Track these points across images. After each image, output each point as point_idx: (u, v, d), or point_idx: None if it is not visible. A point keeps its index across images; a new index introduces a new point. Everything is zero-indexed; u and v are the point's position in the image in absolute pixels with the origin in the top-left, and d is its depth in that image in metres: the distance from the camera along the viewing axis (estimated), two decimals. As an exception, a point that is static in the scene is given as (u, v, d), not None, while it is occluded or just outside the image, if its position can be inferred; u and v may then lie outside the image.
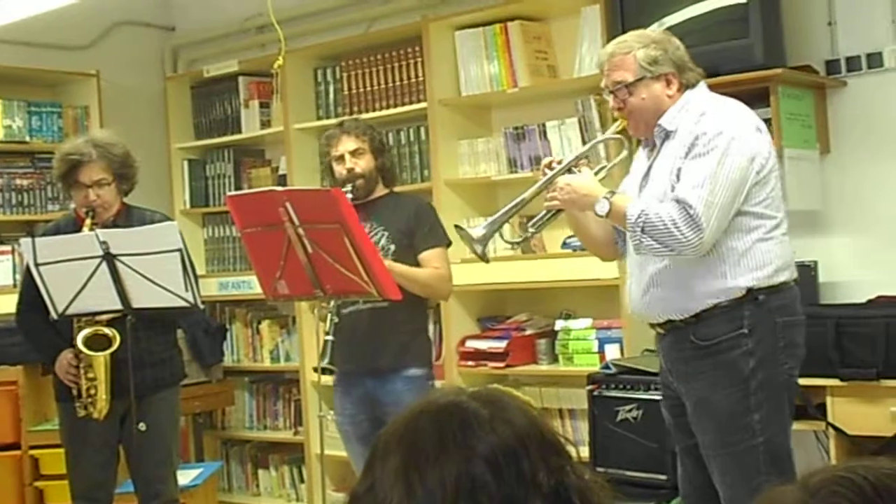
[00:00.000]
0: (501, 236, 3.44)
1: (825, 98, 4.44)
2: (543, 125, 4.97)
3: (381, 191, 4.18)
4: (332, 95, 5.70)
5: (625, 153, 3.46)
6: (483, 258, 3.42)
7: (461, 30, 5.18)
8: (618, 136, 3.42)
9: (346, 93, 5.58)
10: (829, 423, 3.94)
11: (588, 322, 4.86)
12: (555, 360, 4.97)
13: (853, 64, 4.39)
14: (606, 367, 4.45)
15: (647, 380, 4.18)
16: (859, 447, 3.89)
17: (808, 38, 4.44)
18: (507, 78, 5.03)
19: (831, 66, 4.43)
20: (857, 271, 4.37)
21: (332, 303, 3.78)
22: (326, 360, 3.71)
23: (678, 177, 3.11)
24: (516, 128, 5.06)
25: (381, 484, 1.19)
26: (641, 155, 3.41)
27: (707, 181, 3.03)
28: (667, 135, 3.22)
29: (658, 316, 3.25)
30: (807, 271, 4.28)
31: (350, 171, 4.07)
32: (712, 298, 3.13)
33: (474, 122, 5.32)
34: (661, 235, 3.03)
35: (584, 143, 4.81)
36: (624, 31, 4.38)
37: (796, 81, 4.30)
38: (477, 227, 3.42)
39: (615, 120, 3.40)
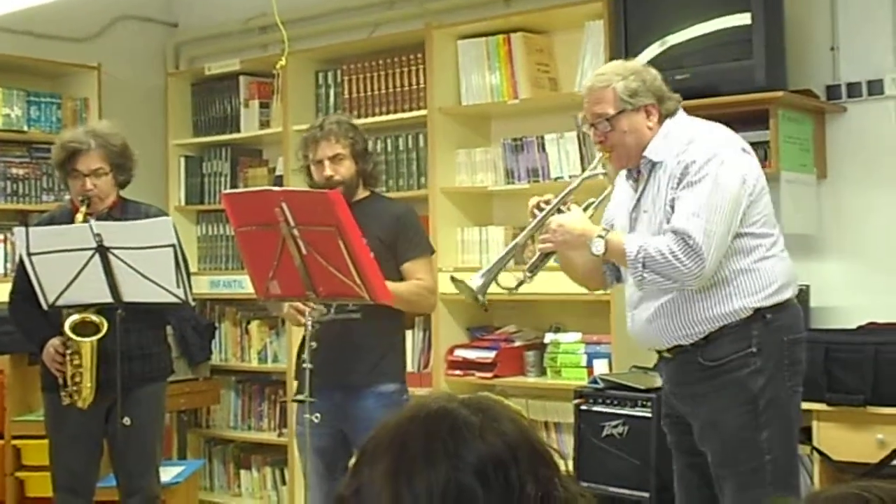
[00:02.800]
0: (497, 283, 3.39)
1: (824, 123, 4.45)
2: (542, 138, 4.97)
3: (361, 193, 4.01)
4: (332, 98, 5.70)
5: (611, 188, 3.44)
6: (483, 307, 3.42)
7: (464, 39, 5.18)
8: (602, 171, 3.39)
9: (346, 96, 5.58)
10: (814, 448, 3.95)
11: (577, 336, 4.86)
12: (543, 372, 4.97)
13: (854, 90, 4.40)
14: (594, 381, 4.45)
15: (635, 396, 4.18)
16: (844, 473, 3.89)
17: (810, 63, 4.45)
18: (508, 89, 5.03)
19: (832, 92, 4.44)
20: (849, 297, 4.38)
21: (310, 325, 3.66)
22: (305, 392, 3.64)
23: (672, 207, 3.11)
24: (515, 139, 5.06)
25: (368, 488, 1.18)
26: (623, 184, 3.39)
27: (703, 209, 3.04)
28: (653, 165, 3.22)
29: (666, 343, 3.25)
30: (799, 295, 4.26)
31: (329, 178, 3.88)
32: (720, 321, 3.15)
33: (473, 131, 5.32)
34: (663, 269, 3.04)
35: (581, 157, 4.82)
36: (627, 47, 4.44)
37: (796, 105, 4.31)
38: (474, 278, 3.37)
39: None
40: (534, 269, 3.40)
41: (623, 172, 3.39)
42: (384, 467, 1.19)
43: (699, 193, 3.05)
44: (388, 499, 1.17)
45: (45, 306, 3.91)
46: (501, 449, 1.18)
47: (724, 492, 3.21)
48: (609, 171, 3.43)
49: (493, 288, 4.91)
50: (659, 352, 3.34)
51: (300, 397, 3.71)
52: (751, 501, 3.13)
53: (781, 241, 3.25)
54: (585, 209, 3.34)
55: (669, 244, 3.03)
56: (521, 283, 3.41)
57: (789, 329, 3.19)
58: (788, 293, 3.21)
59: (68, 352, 3.96)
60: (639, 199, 3.27)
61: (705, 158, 3.07)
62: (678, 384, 3.29)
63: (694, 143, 3.13)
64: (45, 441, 4.20)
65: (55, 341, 3.99)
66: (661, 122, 3.23)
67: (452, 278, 3.49)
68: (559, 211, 3.28)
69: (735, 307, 3.13)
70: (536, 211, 3.31)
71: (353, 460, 1.25)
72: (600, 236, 3.14)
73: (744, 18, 4.23)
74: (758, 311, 3.13)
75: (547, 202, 3.30)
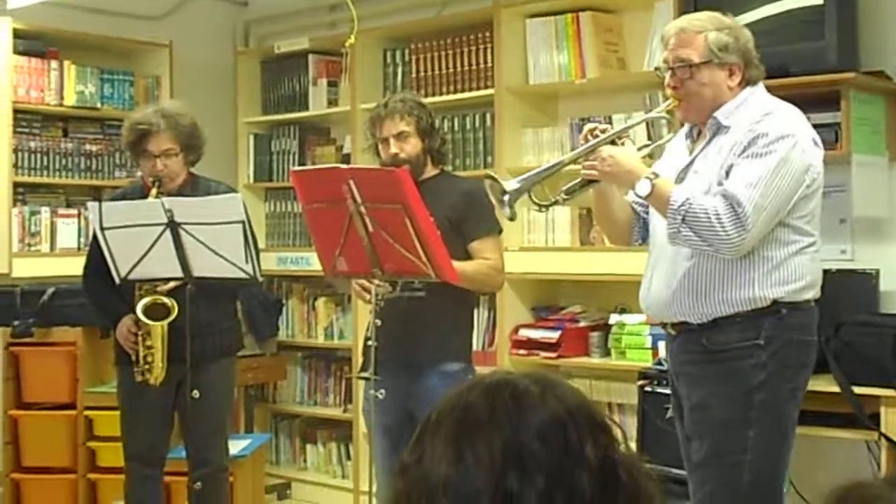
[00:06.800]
0: (530, 196, 3.24)
1: (897, 105, 4.38)
2: (610, 117, 4.94)
3: (430, 171, 4.02)
4: (399, 77, 5.72)
5: (672, 135, 3.33)
6: (510, 215, 3.24)
7: (532, 18, 5.17)
8: (667, 115, 3.27)
9: (413, 75, 5.59)
10: (881, 434, 3.90)
11: (642, 317, 4.83)
12: (607, 353, 4.96)
13: (928, 72, 4.32)
14: (659, 363, 4.43)
15: (700, 378, 4.16)
16: (912, 459, 3.85)
17: (883, 43, 4.37)
18: (576, 68, 5.01)
19: (905, 73, 4.36)
20: (920, 281, 4.31)
21: (375, 301, 3.69)
22: (370, 370, 3.68)
23: (727, 174, 3.00)
24: (582, 119, 5.04)
25: (431, 454, 1.21)
26: (679, 143, 3.29)
27: (761, 183, 2.92)
28: (718, 128, 3.10)
29: (674, 316, 3.16)
30: (868, 279, 4.24)
31: (395, 156, 3.90)
32: (735, 306, 3.04)
33: (540, 111, 5.31)
34: (702, 228, 2.92)
35: (649, 137, 4.77)
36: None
37: (869, 86, 4.24)
38: (510, 181, 3.23)
39: (667, 98, 3.22)
40: (570, 193, 3.27)
41: (682, 131, 3.29)
42: (446, 433, 1.21)
43: (762, 167, 2.93)
44: (450, 461, 1.19)
45: (117, 280, 3.98)
46: (561, 412, 1.21)
47: (692, 482, 3.12)
48: (675, 120, 3.31)
49: (560, 267, 4.93)
50: (664, 325, 3.25)
51: (364, 374, 3.74)
52: (718, 498, 3.05)
53: (818, 244, 3.13)
54: (639, 149, 3.22)
55: (717, 206, 2.91)
56: (554, 203, 3.29)
57: (801, 329, 3.08)
58: (810, 294, 3.10)
59: (140, 332, 4.04)
60: (693, 160, 3.16)
61: (778, 135, 2.96)
62: (679, 363, 3.20)
63: (770, 117, 3.02)
64: (117, 412, 4.30)
65: (128, 321, 4.07)
66: (741, 86, 3.11)
67: (488, 175, 3.34)
68: (613, 143, 3.15)
69: (755, 294, 3.02)
70: (590, 136, 3.17)
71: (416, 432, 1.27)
72: (648, 178, 3.01)
73: (816, -2, 4.18)
74: (775, 302, 3.02)
75: (603, 131, 3.17)
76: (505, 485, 1.16)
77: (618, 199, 3.33)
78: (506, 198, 3.17)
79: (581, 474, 1.17)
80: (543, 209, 3.33)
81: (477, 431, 1.20)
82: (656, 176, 3.04)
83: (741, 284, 3.03)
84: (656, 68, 3.23)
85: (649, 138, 4.20)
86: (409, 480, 1.22)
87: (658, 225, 3.14)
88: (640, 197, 3.08)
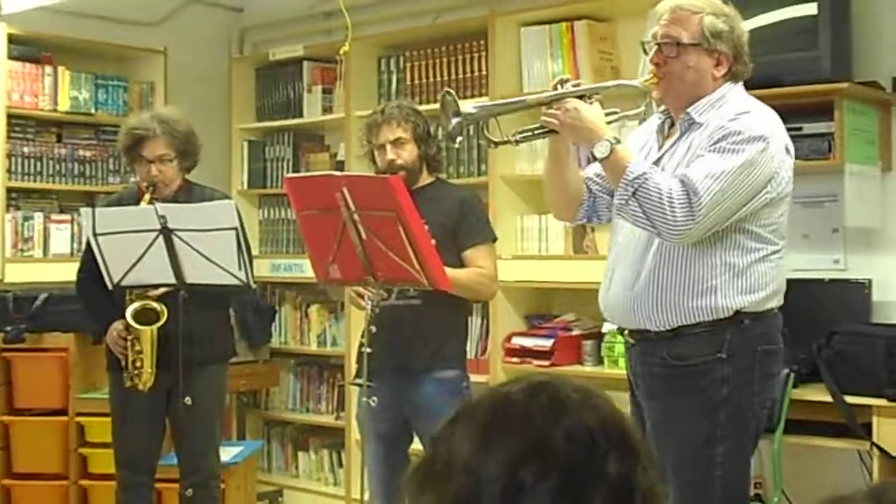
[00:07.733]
0: (484, 129, 3.15)
1: (890, 115, 4.39)
2: (603, 126, 4.94)
3: (425, 179, 4.03)
4: (394, 85, 5.72)
5: (642, 108, 3.22)
6: (451, 136, 3.09)
7: (527, 26, 5.17)
8: (641, 86, 3.10)
9: (408, 83, 5.60)
10: (873, 444, 3.90)
11: (636, 326, 4.84)
12: (600, 361, 4.96)
13: (921, 82, 4.34)
14: (652, 372, 4.42)
15: (692, 387, 4.15)
16: (903, 469, 3.85)
17: (876, 54, 4.39)
18: (570, 77, 5.00)
19: (899, 84, 4.38)
20: (912, 291, 4.32)
21: (370, 307, 3.70)
22: (364, 377, 3.68)
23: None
24: (576, 127, 5.04)
25: (461, 434, 1.22)
26: (648, 134, 3.19)
27: (724, 179, 2.80)
28: (691, 125, 2.99)
29: (634, 319, 3.04)
30: (860, 289, 4.25)
31: (391, 162, 3.91)
32: (696, 315, 2.93)
33: (534, 119, 5.23)
34: (651, 207, 2.80)
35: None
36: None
37: (862, 97, 4.26)
38: (468, 104, 3.11)
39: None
40: (523, 137, 3.16)
41: (655, 122, 3.18)
42: (480, 418, 1.23)
43: (727, 163, 2.82)
44: (476, 445, 1.20)
45: (109, 286, 3.98)
46: (595, 423, 1.21)
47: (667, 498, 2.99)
48: (651, 101, 3.19)
49: (553, 275, 4.92)
50: (621, 331, 3.18)
51: (358, 381, 3.74)
52: None
53: (783, 252, 3.03)
54: (607, 114, 3.03)
55: (672, 187, 2.80)
56: (506, 142, 3.16)
57: (764, 339, 2.97)
58: (774, 302, 3.00)
59: (130, 337, 4.03)
60: (661, 156, 3.04)
61: (749, 136, 2.85)
62: (640, 375, 3.08)
63: (745, 116, 2.90)
64: (109, 419, 4.29)
65: (118, 325, 4.07)
66: (725, 78, 3.00)
67: (446, 91, 3.12)
68: (581, 98, 2.99)
69: (717, 304, 2.91)
70: (560, 86, 3.03)
71: (437, 428, 1.28)
72: (609, 141, 2.88)
73: (810, 8, 4.18)
74: (738, 313, 2.92)
75: (576, 85, 3.03)
76: (518, 476, 1.16)
77: (572, 170, 3.22)
78: (455, 119, 3.03)
79: (596, 487, 1.17)
80: (493, 146, 3.22)
81: (508, 423, 1.21)
82: (618, 142, 2.92)
83: (704, 292, 2.92)
84: (643, 42, 3.11)
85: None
86: (438, 450, 1.23)
87: (620, 221, 3.05)
88: (596, 159, 2.94)
